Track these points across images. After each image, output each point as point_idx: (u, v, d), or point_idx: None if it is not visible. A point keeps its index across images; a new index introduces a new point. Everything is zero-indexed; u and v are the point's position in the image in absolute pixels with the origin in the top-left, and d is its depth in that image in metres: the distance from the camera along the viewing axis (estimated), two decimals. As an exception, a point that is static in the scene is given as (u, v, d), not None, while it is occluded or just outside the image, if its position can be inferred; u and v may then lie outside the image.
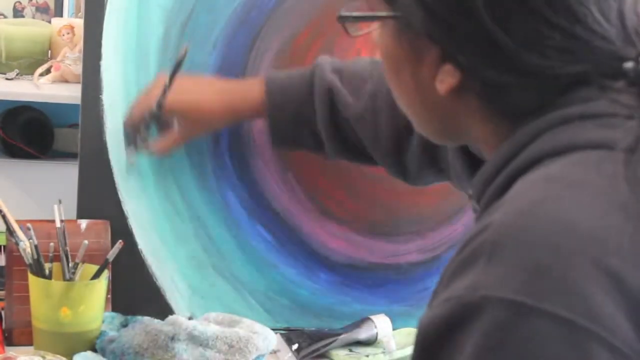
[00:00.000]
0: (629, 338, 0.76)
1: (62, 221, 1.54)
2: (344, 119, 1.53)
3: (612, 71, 0.88)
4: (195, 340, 1.51)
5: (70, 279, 1.52)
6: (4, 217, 1.52)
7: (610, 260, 0.78)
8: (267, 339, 1.53)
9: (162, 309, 1.69)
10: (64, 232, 1.53)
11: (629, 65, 0.87)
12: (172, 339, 1.55)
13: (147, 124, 1.60)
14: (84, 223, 1.64)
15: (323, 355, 1.62)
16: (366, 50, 1.73)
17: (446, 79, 0.93)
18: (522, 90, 0.90)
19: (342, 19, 0.99)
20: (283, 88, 1.57)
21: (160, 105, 1.56)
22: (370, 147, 1.53)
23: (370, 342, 1.66)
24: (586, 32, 0.88)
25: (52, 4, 2.42)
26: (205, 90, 1.60)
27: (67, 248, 1.53)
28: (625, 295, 0.77)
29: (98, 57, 1.67)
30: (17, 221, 1.54)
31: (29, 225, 1.52)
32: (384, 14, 0.96)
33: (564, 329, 0.76)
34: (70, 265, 1.53)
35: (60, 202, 1.55)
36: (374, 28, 0.99)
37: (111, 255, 1.53)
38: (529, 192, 0.84)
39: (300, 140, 1.59)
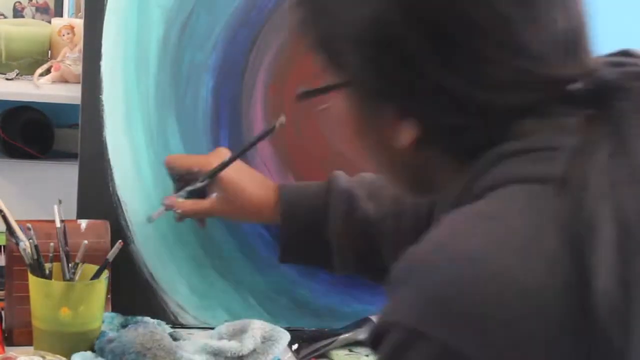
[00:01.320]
0: None
1: (62, 221, 1.54)
2: (360, 224, 1.53)
3: (560, 98, 0.89)
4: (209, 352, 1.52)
5: (70, 279, 1.52)
6: (4, 217, 1.52)
7: (507, 296, 0.81)
8: (279, 342, 1.54)
9: (162, 310, 1.69)
10: (64, 232, 1.53)
11: (575, 86, 0.89)
12: (176, 340, 1.56)
13: (184, 181, 1.59)
14: (84, 223, 1.64)
15: (323, 355, 1.62)
16: (366, 50, 1.73)
17: (406, 134, 0.94)
18: (476, 130, 0.91)
19: (301, 97, 1.03)
20: (298, 194, 1.57)
21: (213, 175, 1.55)
22: (390, 247, 1.51)
23: (370, 342, 1.65)
24: (526, 60, 0.88)
25: (52, 4, 2.42)
26: (257, 182, 1.60)
27: (67, 248, 1.53)
28: (517, 333, 0.80)
29: (98, 57, 1.67)
30: (17, 221, 1.54)
31: (29, 225, 1.52)
32: (337, 82, 0.98)
33: (440, 350, 0.81)
34: (70, 265, 1.53)
35: (60, 202, 1.55)
36: (333, 101, 1.01)
37: (111, 255, 1.53)
38: (447, 225, 0.88)
39: (309, 251, 1.58)
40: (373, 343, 0.87)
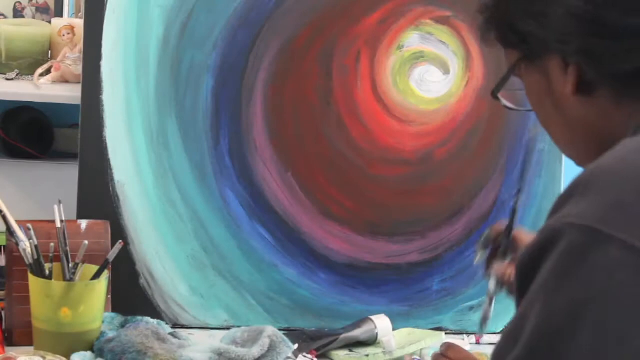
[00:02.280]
0: None
1: (62, 221, 1.54)
2: None
3: None
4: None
5: (71, 279, 1.52)
6: (4, 217, 1.52)
7: None
8: (281, 355, 1.53)
9: (162, 310, 1.69)
10: (64, 232, 1.53)
11: None
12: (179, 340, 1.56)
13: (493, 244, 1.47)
14: (84, 223, 1.64)
15: (323, 355, 1.62)
16: (366, 51, 1.73)
17: (569, 81, 1.01)
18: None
19: (494, 94, 1.11)
20: None
21: (509, 231, 1.51)
22: None
23: (370, 342, 1.65)
24: None
25: (52, 4, 2.42)
26: None
27: (67, 248, 1.53)
28: None
29: (98, 57, 1.67)
30: (17, 221, 1.54)
31: (29, 225, 1.52)
32: (515, 58, 1.06)
33: (632, 255, 0.83)
34: (70, 265, 1.53)
35: (60, 202, 1.55)
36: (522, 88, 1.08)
37: (111, 255, 1.53)
38: (625, 146, 0.94)
39: None
40: (541, 249, 0.88)
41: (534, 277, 0.88)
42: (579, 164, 1.09)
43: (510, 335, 0.89)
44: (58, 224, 1.53)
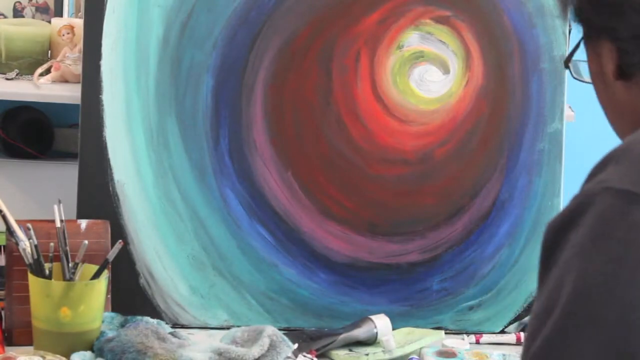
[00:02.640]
0: None
1: (62, 221, 1.54)
2: None
3: None
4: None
5: (70, 279, 1.52)
6: (4, 217, 1.52)
7: None
8: (281, 354, 1.53)
9: (162, 310, 1.69)
10: (64, 232, 1.53)
11: None
12: (179, 339, 1.56)
13: None
14: (84, 223, 1.64)
15: (323, 355, 1.62)
16: (366, 51, 1.73)
17: (611, 62, 1.04)
18: None
19: (566, 63, 1.14)
20: None
21: None
22: None
23: (370, 342, 1.65)
24: None
25: (52, 4, 2.42)
26: None
27: (67, 248, 1.53)
28: None
29: (98, 57, 1.67)
30: (17, 221, 1.54)
31: (29, 225, 1.52)
32: (580, 37, 1.09)
33: None
34: (70, 265, 1.53)
35: (60, 202, 1.55)
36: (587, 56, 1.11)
37: (111, 255, 1.53)
38: None
39: None
40: (575, 212, 0.89)
41: (563, 245, 0.89)
42: (622, 133, 1.11)
43: (543, 312, 0.89)
44: (58, 224, 1.53)
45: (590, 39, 1.08)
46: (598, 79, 1.08)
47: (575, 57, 1.14)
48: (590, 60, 1.09)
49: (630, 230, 0.85)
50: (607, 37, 1.04)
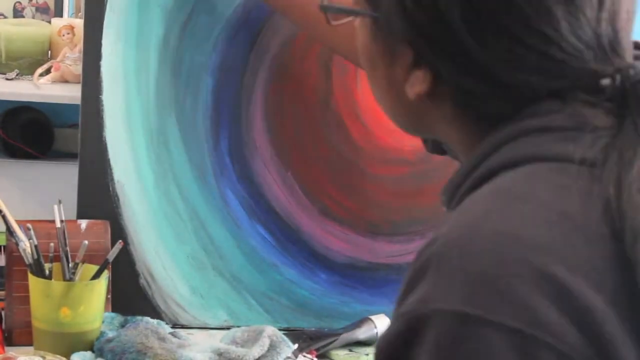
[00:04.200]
0: (577, 345, 0.76)
1: (62, 221, 1.54)
2: None
3: (590, 88, 0.88)
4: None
5: (70, 279, 1.52)
6: (4, 217, 1.52)
7: (553, 268, 0.77)
8: (281, 354, 1.53)
9: (162, 310, 1.69)
10: (64, 232, 1.53)
11: (605, 82, 0.87)
12: (179, 340, 1.56)
13: None
14: (84, 223, 1.64)
15: (323, 355, 1.62)
16: (366, 50, 1.73)
17: (416, 85, 0.92)
18: (498, 100, 0.90)
19: (324, 9, 1.00)
20: None
21: None
22: None
23: (370, 342, 1.65)
24: (561, 53, 0.87)
25: (52, 4, 2.42)
26: None
27: (67, 248, 1.53)
28: (570, 302, 0.76)
29: (98, 57, 1.67)
30: (17, 221, 1.54)
31: (29, 225, 1.52)
32: (364, 11, 0.96)
33: (513, 338, 0.75)
34: (70, 265, 1.53)
35: (60, 202, 1.55)
36: (354, 20, 0.99)
37: (111, 255, 1.53)
38: (475, 206, 0.84)
39: None
40: (404, 342, 0.80)
41: None
42: (403, 131, 1.02)
43: None
44: (58, 224, 1.53)
45: (381, 29, 0.94)
46: (378, 66, 0.96)
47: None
48: (372, 45, 0.95)
49: (475, 355, 0.76)
50: (414, 50, 0.91)
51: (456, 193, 0.92)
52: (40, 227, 1.56)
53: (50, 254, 1.53)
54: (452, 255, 0.80)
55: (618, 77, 0.87)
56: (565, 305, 0.76)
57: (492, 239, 0.79)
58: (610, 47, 0.89)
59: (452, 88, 0.91)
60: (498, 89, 0.89)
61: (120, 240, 1.53)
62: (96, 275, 1.53)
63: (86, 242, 1.51)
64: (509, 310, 0.76)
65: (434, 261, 0.80)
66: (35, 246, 1.51)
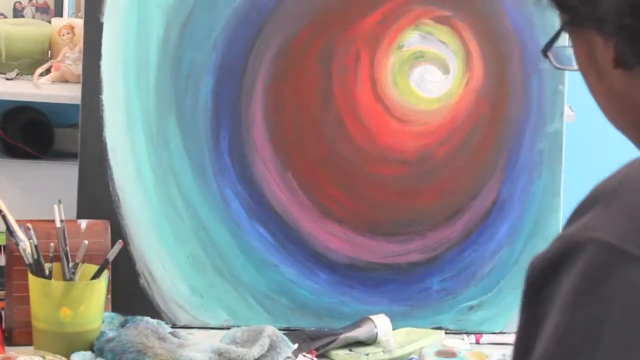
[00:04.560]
0: None
1: (62, 221, 1.54)
2: None
3: None
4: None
5: (70, 279, 1.52)
6: (4, 217, 1.52)
7: None
8: (281, 354, 1.53)
9: (162, 310, 1.69)
10: (64, 232, 1.53)
11: None
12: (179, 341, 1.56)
13: None
14: (84, 223, 1.64)
15: (323, 355, 1.62)
16: (366, 51, 1.73)
17: (610, 54, 0.95)
18: None
19: (544, 51, 1.05)
20: None
21: None
22: None
23: (370, 342, 1.65)
24: None
25: (52, 4, 2.42)
26: None
27: (67, 248, 1.53)
28: None
29: (98, 57, 1.67)
30: (17, 221, 1.54)
31: (29, 225, 1.52)
32: (562, 23, 0.99)
33: None
34: (70, 265, 1.53)
35: (60, 202, 1.55)
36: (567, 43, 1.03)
37: (111, 255, 1.54)
38: None
39: None
40: (558, 260, 0.83)
41: (547, 289, 0.84)
42: (628, 136, 1.02)
43: (519, 352, 0.85)
44: (58, 224, 1.53)
45: (575, 27, 0.99)
46: (589, 69, 1.00)
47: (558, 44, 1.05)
48: (578, 50, 1.00)
49: (614, 290, 0.80)
50: (594, 28, 0.96)
51: None
52: (40, 227, 1.56)
53: (50, 254, 1.53)
54: (623, 191, 0.83)
55: None
56: None
57: None
58: None
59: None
60: None
61: (120, 240, 1.53)
62: (96, 275, 1.53)
63: (86, 242, 1.51)
64: None
65: (605, 194, 0.84)
66: (36, 246, 1.51)
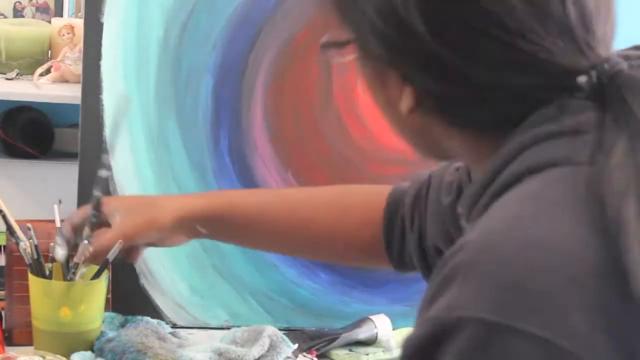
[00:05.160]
0: (608, 357, 0.75)
1: (62, 221, 1.54)
2: None
3: (566, 85, 0.87)
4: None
5: (71, 279, 1.52)
6: (4, 217, 1.52)
7: (585, 276, 0.77)
8: (281, 355, 1.53)
9: (162, 310, 1.69)
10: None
11: (582, 79, 0.86)
12: (179, 340, 1.56)
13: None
14: (84, 223, 1.63)
15: (323, 355, 1.62)
16: (366, 50, 1.73)
17: (405, 101, 0.92)
18: (479, 103, 0.89)
19: (323, 46, 1.00)
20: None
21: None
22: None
23: (370, 342, 1.65)
24: (529, 45, 0.86)
25: (52, 4, 2.42)
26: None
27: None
28: (602, 310, 0.76)
29: (98, 57, 1.67)
30: (17, 221, 1.54)
31: (29, 225, 1.52)
32: (345, 39, 0.96)
33: (539, 348, 0.75)
34: (70, 265, 1.52)
35: (60, 202, 1.55)
36: (352, 56, 0.98)
37: (111, 255, 1.53)
38: (504, 211, 0.83)
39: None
40: (427, 347, 0.79)
41: None
42: (423, 157, 1.01)
43: None
44: (58, 224, 1.53)
45: (364, 54, 0.94)
46: (378, 93, 0.96)
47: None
48: (365, 71, 0.95)
49: None
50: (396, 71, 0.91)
51: (477, 203, 0.92)
52: (41, 227, 1.55)
53: (51, 254, 1.52)
54: (481, 261, 0.79)
55: (594, 74, 0.85)
56: (597, 315, 0.76)
57: (522, 245, 0.78)
58: (585, 43, 0.87)
59: (436, 97, 0.91)
60: (480, 92, 0.89)
61: (120, 240, 1.53)
62: (96, 275, 1.52)
63: (86, 242, 1.51)
64: (538, 318, 0.75)
65: (462, 267, 0.79)
66: (36, 246, 1.51)
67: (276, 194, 1.47)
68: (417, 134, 0.97)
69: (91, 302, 1.50)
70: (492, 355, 0.76)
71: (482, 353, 0.76)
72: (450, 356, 0.78)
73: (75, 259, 1.47)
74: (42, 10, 2.44)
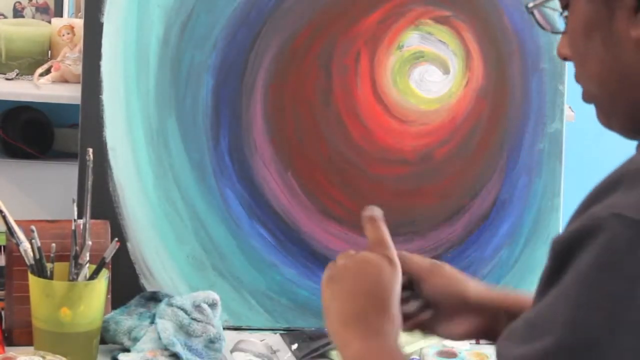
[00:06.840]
0: None
1: (75, 220, 1.53)
2: None
3: None
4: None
5: (73, 279, 1.52)
6: (4, 217, 1.52)
7: None
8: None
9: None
10: (74, 232, 1.52)
11: None
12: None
13: None
14: (84, 223, 1.63)
15: (323, 355, 1.62)
16: (366, 51, 1.73)
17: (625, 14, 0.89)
18: None
19: (530, 9, 0.99)
20: None
21: None
22: None
23: (370, 342, 1.65)
24: None
25: (52, 4, 2.42)
26: None
27: (77, 248, 1.52)
28: None
29: (98, 57, 1.67)
30: (17, 221, 1.54)
31: (32, 227, 1.52)
32: None
33: None
34: (76, 265, 1.52)
35: (74, 200, 1.55)
36: (562, 13, 0.96)
37: (108, 254, 1.53)
38: None
39: None
40: (581, 235, 0.82)
41: (569, 264, 0.82)
42: (603, 113, 0.96)
43: (531, 323, 0.84)
44: (73, 226, 1.52)
45: None
46: (593, 33, 0.92)
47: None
48: (586, 9, 0.92)
49: (638, 265, 0.79)
50: None
51: None
52: (41, 227, 1.55)
53: (52, 254, 1.53)
54: None
55: None
56: None
57: None
58: None
59: None
60: None
61: (117, 239, 1.53)
62: (94, 275, 1.52)
63: (90, 242, 1.51)
64: None
65: (630, 175, 0.83)
66: (38, 247, 1.51)
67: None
68: (624, 85, 0.93)
69: (91, 302, 1.50)
70: (635, 253, 0.79)
71: (627, 250, 0.79)
72: (596, 248, 0.81)
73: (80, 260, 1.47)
74: (42, 10, 2.43)
